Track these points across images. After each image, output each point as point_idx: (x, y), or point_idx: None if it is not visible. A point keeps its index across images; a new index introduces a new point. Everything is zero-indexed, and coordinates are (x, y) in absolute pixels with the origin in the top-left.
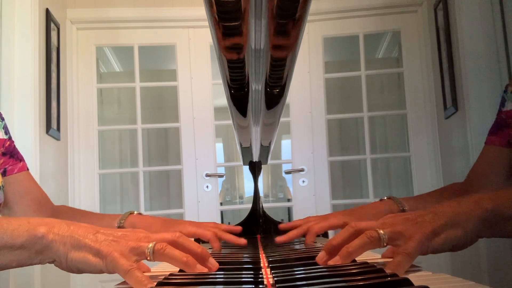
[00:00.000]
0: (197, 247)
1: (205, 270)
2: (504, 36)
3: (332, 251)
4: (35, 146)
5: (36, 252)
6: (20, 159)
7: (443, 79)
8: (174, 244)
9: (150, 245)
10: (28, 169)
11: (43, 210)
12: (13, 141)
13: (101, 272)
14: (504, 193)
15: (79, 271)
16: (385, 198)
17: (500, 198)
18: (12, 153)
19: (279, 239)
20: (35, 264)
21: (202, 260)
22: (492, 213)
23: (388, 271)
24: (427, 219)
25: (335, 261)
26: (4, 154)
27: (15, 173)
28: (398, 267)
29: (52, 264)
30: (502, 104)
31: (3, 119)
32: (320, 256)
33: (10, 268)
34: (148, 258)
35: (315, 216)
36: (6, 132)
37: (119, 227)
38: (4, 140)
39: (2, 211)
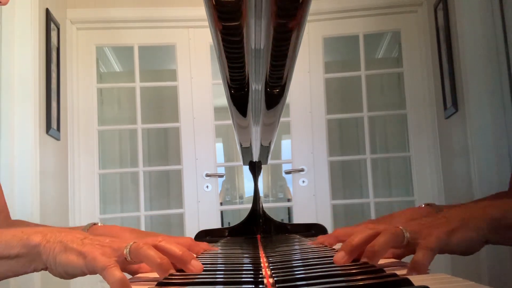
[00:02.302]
0: (178, 250)
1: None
2: (504, 36)
3: (352, 252)
4: (35, 146)
5: (30, 260)
6: None
7: (443, 79)
8: (154, 248)
9: (129, 244)
10: None
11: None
12: None
13: (83, 273)
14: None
15: (67, 274)
16: (423, 205)
17: (506, 207)
18: None
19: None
20: (29, 272)
21: (183, 263)
22: (497, 221)
23: (411, 270)
24: (441, 222)
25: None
26: None
27: None
28: (422, 262)
29: None
30: None
31: None
32: (340, 256)
33: (7, 278)
34: (127, 258)
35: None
36: None
37: None
38: None
39: None
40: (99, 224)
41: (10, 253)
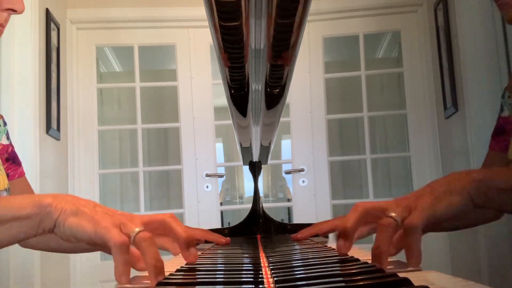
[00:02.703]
0: (183, 232)
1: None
2: (504, 36)
3: (348, 235)
4: (35, 146)
5: (40, 220)
6: (19, 164)
7: (443, 79)
8: (162, 223)
9: (137, 229)
10: (25, 174)
11: None
12: (13, 146)
13: (90, 239)
14: (494, 169)
15: (74, 237)
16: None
17: (491, 172)
18: (14, 159)
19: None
20: (39, 234)
21: (184, 246)
22: (481, 183)
23: (409, 259)
24: (426, 192)
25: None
26: (7, 159)
27: (16, 178)
28: (410, 244)
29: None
30: (501, 109)
31: (5, 124)
32: (340, 245)
33: (18, 241)
34: (130, 241)
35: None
36: (8, 137)
37: None
38: (7, 145)
39: None
40: None
41: (22, 213)
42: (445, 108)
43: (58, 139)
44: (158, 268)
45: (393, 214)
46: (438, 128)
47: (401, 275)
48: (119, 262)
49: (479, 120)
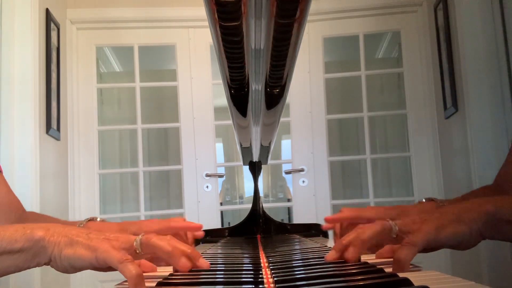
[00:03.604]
0: (187, 248)
1: (188, 264)
2: (504, 36)
3: (342, 250)
4: (35, 146)
5: (33, 254)
6: None
7: (443, 79)
8: (147, 245)
9: (138, 237)
10: (1, 172)
11: (11, 215)
12: None
13: (91, 266)
14: (507, 199)
15: (72, 267)
16: (424, 200)
17: (502, 203)
18: None
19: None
20: (32, 267)
21: (191, 260)
22: (493, 216)
23: (394, 264)
24: (434, 217)
25: (349, 252)
26: None
27: None
28: (403, 258)
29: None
30: None
31: None
32: (330, 254)
33: (9, 274)
34: (137, 250)
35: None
36: None
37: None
38: None
39: None
40: (98, 220)
41: (14, 247)
42: (445, 108)
43: (58, 139)
44: (176, 252)
45: (392, 222)
46: (438, 128)
47: (401, 275)
48: (130, 277)
49: (479, 120)
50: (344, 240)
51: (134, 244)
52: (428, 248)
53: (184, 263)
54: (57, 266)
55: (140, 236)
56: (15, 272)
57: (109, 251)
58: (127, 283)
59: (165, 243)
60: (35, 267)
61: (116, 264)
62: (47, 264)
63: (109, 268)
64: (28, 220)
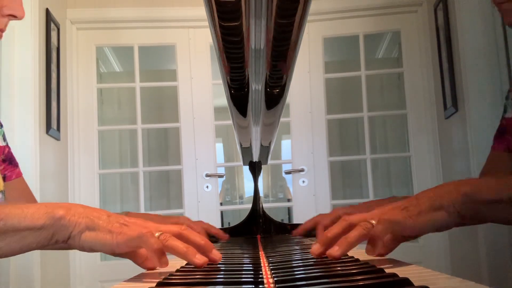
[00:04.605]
0: (201, 239)
1: (204, 259)
2: (504, 36)
3: (327, 243)
4: (35, 146)
5: (53, 232)
6: (16, 165)
7: (443, 79)
8: (179, 236)
9: (157, 234)
10: (22, 175)
11: None
12: (10, 147)
13: (111, 250)
14: (483, 180)
15: (91, 249)
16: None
17: (479, 184)
18: (10, 159)
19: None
20: (51, 244)
21: (205, 251)
22: (469, 197)
23: (369, 243)
24: (412, 204)
25: (334, 250)
26: (4, 160)
27: (13, 179)
28: (378, 233)
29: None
30: (504, 110)
31: (1, 126)
32: (315, 248)
33: (32, 250)
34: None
35: (324, 215)
36: (5, 138)
37: None
38: (4, 147)
39: None
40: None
41: (36, 224)
42: (445, 108)
43: (58, 139)
44: (190, 251)
45: (374, 222)
46: (438, 128)
47: (401, 274)
48: (150, 246)
49: (479, 120)
50: (330, 233)
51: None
52: (410, 234)
53: (199, 260)
54: (75, 245)
55: (158, 233)
56: (37, 248)
57: (128, 232)
58: (129, 283)
59: (180, 244)
60: (54, 244)
61: (136, 240)
62: (64, 242)
63: (125, 255)
64: None
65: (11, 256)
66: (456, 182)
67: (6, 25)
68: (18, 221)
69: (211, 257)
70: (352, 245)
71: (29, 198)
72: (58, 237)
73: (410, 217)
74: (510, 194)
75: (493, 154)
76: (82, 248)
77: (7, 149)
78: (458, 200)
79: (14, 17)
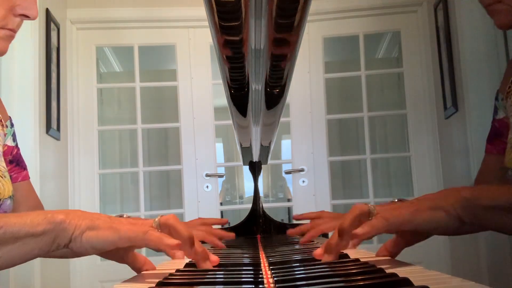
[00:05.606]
0: (199, 247)
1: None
2: (504, 36)
3: (331, 250)
4: (35, 146)
5: (55, 236)
6: (24, 167)
7: (443, 79)
8: (166, 225)
9: (157, 218)
10: (29, 178)
11: None
12: (19, 148)
13: (114, 246)
14: (484, 187)
15: (94, 249)
16: (396, 200)
17: (479, 190)
18: (18, 161)
19: (290, 231)
20: (53, 250)
21: (202, 259)
22: (470, 201)
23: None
24: (413, 203)
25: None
26: (11, 161)
27: (19, 181)
28: (372, 225)
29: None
30: (495, 112)
31: (12, 125)
32: (318, 253)
33: (34, 257)
34: (157, 229)
35: (329, 213)
36: (14, 139)
37: None
38: (13, 147)
39: None
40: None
41: (36, 230)
42: (445, 108)
43: (58, 139)
44: (191, 239)
45: (372, 207)
46: (438, 128)
47: (401, 274)
48: (156, 240)
49: (479, 120)
50: (332, 241)
51: (154, 224)
52: (406, 228)
53: (192, 254)
54: (77, 247)
55: (158, 217)
56: (39, 255)
57: (132, 228)
58: (129, 283)
59: (183, 227)
60: (56, 249)
61: (141, 236)
62: (66, 246)
63: (127, 257)
64: None
65: (12, 266)
66: (457, 187)
67: (18, 26)
68: (18, 229)
69: (202, 267)
70: (349, 230)
71: (34, 203)
72: (60, 241)
73: (408, 212)
74: (509, 201)
75: (487, 157)
76: (84, 250)
77: (15, 150)
78: (458, 203)
79: (26, 17)
